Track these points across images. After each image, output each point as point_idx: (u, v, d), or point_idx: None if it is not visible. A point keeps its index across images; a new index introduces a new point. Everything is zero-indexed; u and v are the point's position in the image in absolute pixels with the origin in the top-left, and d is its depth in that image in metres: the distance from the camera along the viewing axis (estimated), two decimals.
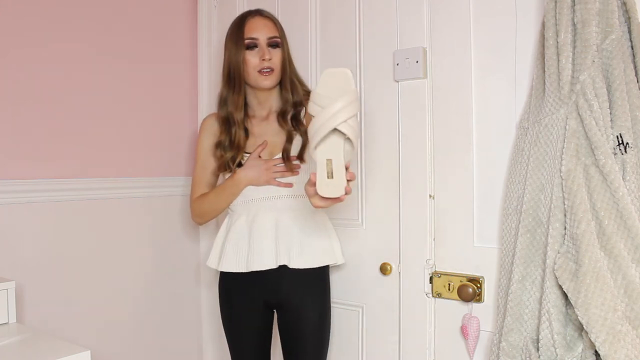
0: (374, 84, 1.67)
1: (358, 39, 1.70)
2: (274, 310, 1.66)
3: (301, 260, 1.56)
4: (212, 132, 1.68)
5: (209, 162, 1.68)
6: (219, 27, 2.05)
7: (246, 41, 1.57)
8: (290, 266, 1.56)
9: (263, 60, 1.56)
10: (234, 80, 1.60)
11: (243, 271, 1.58)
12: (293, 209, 1.59)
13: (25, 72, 1.64)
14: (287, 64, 1.63)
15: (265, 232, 1.56)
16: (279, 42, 1.60)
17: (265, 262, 1.55)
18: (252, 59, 1.57)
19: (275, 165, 1.59)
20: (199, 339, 2.13)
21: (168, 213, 2.01)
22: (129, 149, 1.90)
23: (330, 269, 1.72)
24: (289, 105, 1.64)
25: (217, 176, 1.72)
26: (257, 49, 1.58)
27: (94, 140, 1.80)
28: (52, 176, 1.70)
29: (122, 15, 1.88)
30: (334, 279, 1.75)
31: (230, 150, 1.61)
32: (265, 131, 1.64)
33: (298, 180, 1.59)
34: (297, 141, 1.61)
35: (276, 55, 1.59)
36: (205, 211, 1.69)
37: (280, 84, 1.64)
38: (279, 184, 1.58)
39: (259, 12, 1.62)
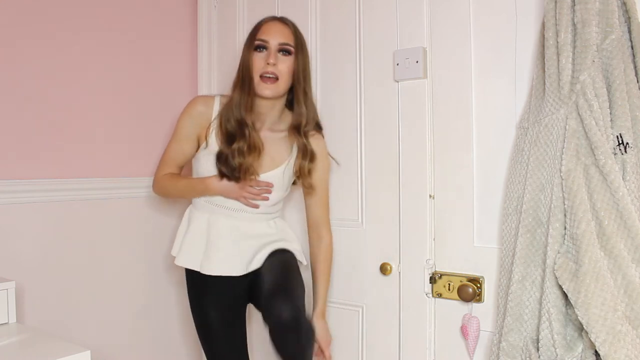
0: (374, 84, 1.67)
1: (358, 39, 1.70)
2: (245, 304, 1.68)
3: (255, 265, 1.59)
4: (200, 123, 1.60)
5: (186, 144, 1.62)
6: (219, 27, 2.05)
7: (256, 42, 1.51)
8: (249, 270, 1.59)
9: (267, 64, 1.49)
10: (245, 82, 1.52)
11: (196, 269, 1.60)
12: (253, 222, 1.61)
13: (25, 72, 1.64)
14: (301, 77, 1.54)
15: (223, 239, 1.58)
16: (290, 50, 1.51)
17: (221, 269, 1.57)
18: (258, 62, 1.50)
19: (250, 186, 1.55)
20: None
21: (168, 213, 2.01)
22: (129, 149, 1.90)
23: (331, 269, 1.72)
24: (303, 118, 1.57)
25: (189, 158, 1.67)
26: (265, 52, 1.50)
27: (94, 140, 1.80)
28: (52, 176, 1.70)
29: (123, 15, 1.88)
30: (334, 278, 1.75)
31: (250, 154, 1.53)
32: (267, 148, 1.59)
33: (264, 204, 1.60)
34: (282, 170, 1.60)
35: (284, 63, 1.50)
36: (169, 193, 1.73)
37: (294, 98, 1.58)
38: (247, 204, 1.58)
39: (280, 18, 1.56)
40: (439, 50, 1.54)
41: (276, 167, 1.59)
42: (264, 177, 1.58)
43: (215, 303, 1.63)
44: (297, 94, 1.57)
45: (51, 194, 1.68)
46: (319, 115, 1.66)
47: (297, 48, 1.53)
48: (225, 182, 1.55)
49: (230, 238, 1.58)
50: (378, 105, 1.66)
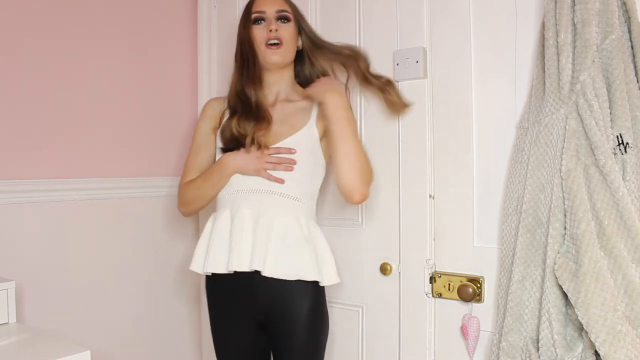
0: None
1: (358, 39, 1.70)
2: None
3: (274, 268, 1.40)
4: (212, 115, 1.58)
5: (205, 147, 1.56)
6: (219, 27, 2.05)
7: (253, 15, 1.50)
8: (264, 273, 1.40)
9: (269, 31, 1.47)
10: (246, 56, 1.49)
11: (223, 272, 1.44)
12: (278, 209, 1.44)
13: (25, 72, 1.64)
14: (307, 42, 1.54)
15: (244, 229, 1.41)
16: (288, 16, 1.51)
17: (242, 262, 1.41)
18: (260, 33, 1.49)
19: (269, 155, 1.44)
20: (199, 340, 2.13)
21: (168, 213, 2.01)
22: (129, 149, 1.90)
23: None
24: (301, 97, 1.53)
25: (212, 161, 1.57)
26: (264, 23, 1.50)
27: (94, 140, 1.80)
28: (52, 176, 1.70)
29: (122, 15, 1.88)
30: None
31: (256, 118, 1.45)
32: (278, 121, 1.51)
33: (291, 177, 1.45)
34: (304, 133, 1.48)
35: (285, 29, 1.50)
36: (190, 198, 1.55)
37: (302, 62, 1.56)
38: (269, 177, 1.43)
39: None
40: (439, 50, 1.54)
41: (296, 132, 1.48)
42: (284, 143, 1.46)
43: (234, 321, 1.53)
44: (304, 58, 1.56)
45: (51, 194, 1.68)
46: None
47: (296, 15, 1.54)
48: (240, 153, 1.44)
49: (250, 230, 1.42)
50: (378, 105, 1.66)
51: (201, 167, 1.57)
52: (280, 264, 1.41)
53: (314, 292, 1.48)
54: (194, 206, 1.58)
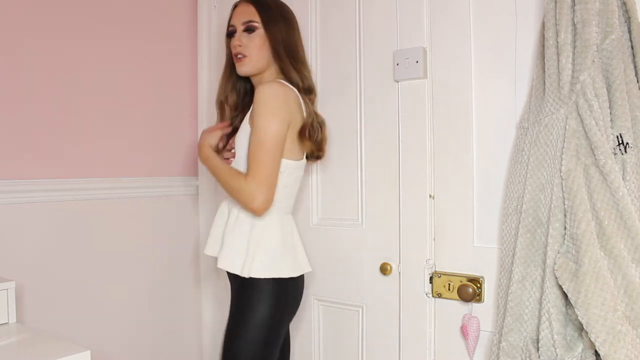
0: (374, 84, 1.67)
1: (358, 39, 1.70)
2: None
3: (220, 256, 1.53)
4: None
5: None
6: (219, 27, 2.05)
7: (228, 29, 1.57)
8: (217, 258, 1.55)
9: (233, 46, 1.54)
10: (225, 67, 1.63)
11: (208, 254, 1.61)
12: (228, 198, 1.58)
13: (25, 72, 1.64)
14: (281, 51, 1.53)
15: (221, 216, 1.59)
16: (253, 26, 1.51)
17: (209, 249, 1.59)
18: (231, 46, 1.56)
19: (223, 152, 1.61)
20: (199, 339, 2.13)
21: (168, 213, 2.01)
22: (129, 149, 1.90)
23: (330, 269, 1.72)
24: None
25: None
26: (236, 35, 1.54)
27: (94, 140, 1.80)
28: (52, 176, 1.70)
29: (122, 15, 1.88)
30: (334, 278, 1.75)
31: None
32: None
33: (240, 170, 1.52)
34: (241, 128, 1.54)
35: (251, 40, 1.52)
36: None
37: (283, 69, 1.57)
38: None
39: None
40: (439, 50, 1.54)
41: (239, 128, 1.58)
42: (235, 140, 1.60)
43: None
44: (285, 67, 1.56)
45: (51, 194, 1.68)
46: (314, 83, 1.64)
47: (265, 22, 1.53)
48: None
49: (227, 211, 1.58)
50: (378, 105, 1.66)
51: None
52: (222, 252, 1.54)
53: (254, 285, 1.49)
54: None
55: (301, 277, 1.58)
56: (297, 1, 1.83)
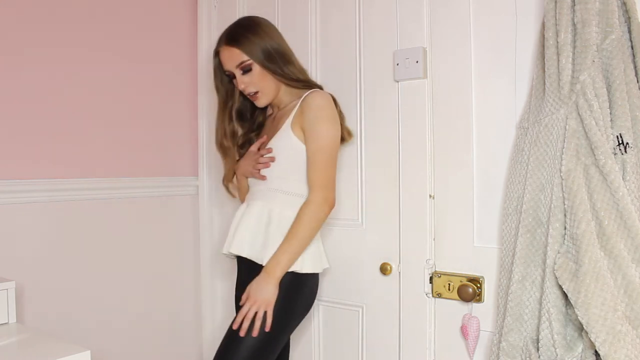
0: (374, 84, 1.67)
1: (358, 39, 1.70)
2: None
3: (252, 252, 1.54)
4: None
5: None
6: (219, 27, 2.05)
7: (226, 73, 1.61)
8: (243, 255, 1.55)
9: (241, 91, 1.60)
10: (219, 103, 1.68)
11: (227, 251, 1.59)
12: (285, 205, 1.54)
13: (25, 72, 1.64)
14: (269, 66, 1.56)
15: (252, 215, 1.57)
16: (247, 66, 1.55)
17: (237, 248, 1.56)
18: (238, 88, 1.61)
19: (255, 158, 1.60)
20: (199, 339, 2.13)
21: (168, 213, 2.01)
22: (129, 149, 1.90)
23: (330, 269, 1.72)
24: (294, 98, 1.61)
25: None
26: (235, 78, 1.59)
27: (94, 140, 1.81)
28: (52, 176, 1.70)
29: (122, 15, 1.88)
30: (334, 278, 1.75)
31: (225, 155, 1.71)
32: (269, 128, 1.67)
33: (275, 175, 1.56)
34: (281, 134, 1.57)
35: (251, 77, 1.57)
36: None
37: (290, 79, 1.61)
38: (257, 176, 1.59)
39: (225, 40, 1.58)
40: (439, 50, 1.54)
41: (275, 134, 1.59)
42: (269, 145, 1.59)
43: None
44: (290, 79, 1.59)
45: (51, 194, 1.69)
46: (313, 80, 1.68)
47: (254, 57, 1.55)
48: (241, 160, 1.65)
49: (260, 212, 1.56)
50: (378, 105, 1.66)
51: None
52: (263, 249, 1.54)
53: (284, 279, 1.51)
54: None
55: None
56: (297, 1, 1.83)
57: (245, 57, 1.55)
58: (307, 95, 1.55)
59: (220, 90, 1.66)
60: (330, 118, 1.53)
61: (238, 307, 1.56)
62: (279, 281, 1.47)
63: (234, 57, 1.56)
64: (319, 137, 1.51)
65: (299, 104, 1.56)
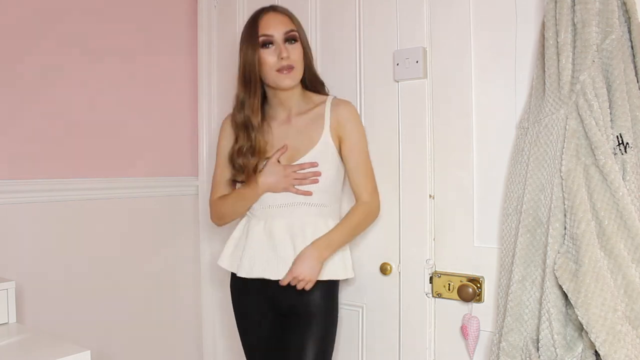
0: (374, 84, 1.67)
1: (358, 39, 1.70)
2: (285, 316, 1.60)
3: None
4: (230, 133, 1.61)
5: (228, 165, 1.62)
6: (219, 27, 2.05)
7: (261, 39, 1.48)
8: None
9: (281, 58, 1.48)
10: (249, 81, 1.52)
11: (274, 279, 1.52)
12: (309, 217, 1.53)
13: (25, 72, 1.64)
14: (308, 60, 1.55)
15: (283, 241, 1.52)
16: (296, 35, 1.50)
17: (260, 271, 1.53)
18: (269, 58, 1.49)
19: (294, 172, 1.52)
20: (199, 340, 2.13)
21: (168, 213, 2.01)
22: (129, 149, 1.90)
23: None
24: (313, 105, 1.58)
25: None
26: (273, 47, 1.49)
27: (94, 140, 1.81)
28: (52, 176, 1.70)
29: (122, 14, 1.88)
30: None
31: (253, 156, 1.54)
32: (286, 134, 1.57)
33: (318, 188, 1.53)
34: (322, 145, 1.54)
35: (295, 50, 1.50)
36: (224, 214, 1.66)
37: (303, 81, 1.57)
38: (298, 192, 1.52)
39: (272, 8, 1.54)
40: (439, 50, 1.54)
41: (315, 145, 1.54)
42: (306, 158, 1.53)
43: (259, 311, 1.61)
44: (306, 79, 1.58)
45: (51, 194, 1.69)
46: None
47: (300, 31, 1.54)
48: (266, 173, 1.53)
49: (289, 235, 1.52)
50: (378, 105, 1.66)
51: (228, 182, 1.66)
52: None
53: (323, 286, 1.55)
54: (227, 220, 1.69)
55: None
56: (297, 1, 1.83)
57: (294, 26, 1.52)
58: (337, 103, 1.56)
59: (259, 59, 1.50)
60: (362, 126, 1.61)
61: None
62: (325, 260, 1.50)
63: (284, 22, 1.50)
64: (363, 145, 1.58)
65: (328, 112, 1.54)
